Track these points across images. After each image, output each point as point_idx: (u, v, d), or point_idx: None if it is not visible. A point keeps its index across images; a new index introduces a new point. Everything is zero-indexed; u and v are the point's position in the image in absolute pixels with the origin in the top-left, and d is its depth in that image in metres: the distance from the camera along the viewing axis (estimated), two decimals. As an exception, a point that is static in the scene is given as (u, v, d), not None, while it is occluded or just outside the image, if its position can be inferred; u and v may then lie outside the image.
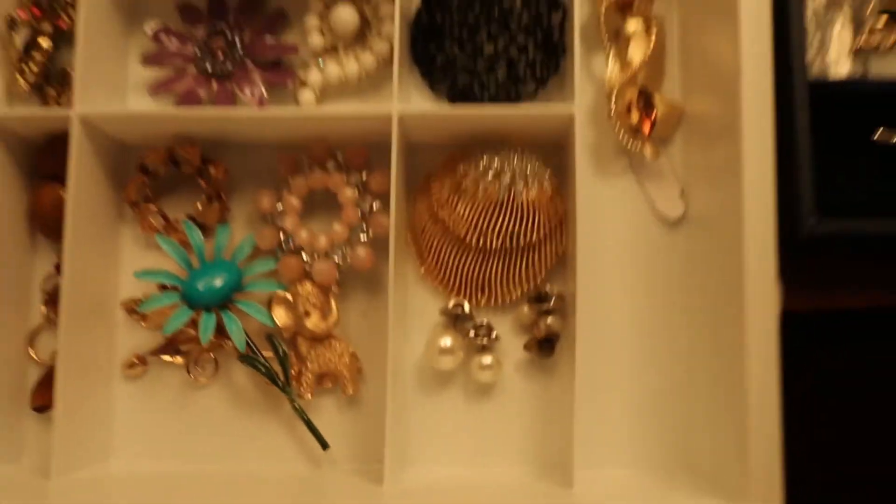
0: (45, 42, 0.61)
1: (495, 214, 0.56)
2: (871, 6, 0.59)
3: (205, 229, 0.59)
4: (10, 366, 0.58)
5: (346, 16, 0.60)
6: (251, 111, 0.57)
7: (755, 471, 0.47)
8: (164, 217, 0.60)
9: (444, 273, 0.58)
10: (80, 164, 0.55)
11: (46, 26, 0.61)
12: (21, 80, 0.60)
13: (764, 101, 0.50)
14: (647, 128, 0.58)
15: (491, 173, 0.56)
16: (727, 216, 0.51)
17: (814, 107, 0.54)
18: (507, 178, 0.56)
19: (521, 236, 0.56)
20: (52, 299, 0.60)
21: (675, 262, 0.58)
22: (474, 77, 0.59)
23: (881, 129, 0.58)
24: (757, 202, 0.49)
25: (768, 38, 0.50)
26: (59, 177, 0.58)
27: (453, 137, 0.58)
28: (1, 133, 0.58)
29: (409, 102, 0.59)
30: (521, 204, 0.56)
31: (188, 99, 0.60)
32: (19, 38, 0.61)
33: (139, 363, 0.60)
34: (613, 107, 0.58)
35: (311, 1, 0.61)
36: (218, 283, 0.57)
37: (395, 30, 0.56)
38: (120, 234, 0.61)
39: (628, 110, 0.58)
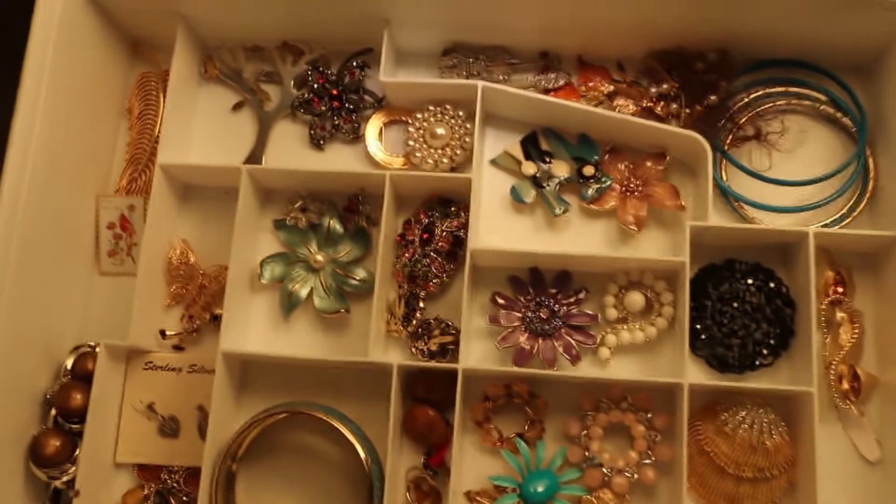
0: (420, 303, 1.10)
1: (748, 454, 1.01)
2: None
3: (530, 443, 1.06)
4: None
5: (636, 298, 1.08)
6: (564, 371, 1.02)
7: None
8: (499, 432, 1.07)
9: (706, 490, 1.03)
10: (460, 398, 1.00)
11: (420, 292, 1.10)
12: (402, 332, 1.09)
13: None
14: (853, 394, 1.04)
15: (745, 424, 1.02)
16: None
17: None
18: (756, 428, 1.02)
19: (766, 471, 1.01)
20: (413, 485, 1.06)
21: (874, 492, 1.02)
22: (728, 350, 1.06)
23: None
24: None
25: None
26: (428, 400, 1.05)
27: (714, 392, 1.05)
28: (393, 370, 1.02)
29: (682, 363, 1.05)
30: (767, 447, 1.02)
31: (521, 356, 1.06)
32: (398, 298, 1.10)
33: (477, 539, 1.05)
34: (831, 377, 1.04)
35: (608, 285, 1.09)
36: (541, 487, 1.02)
37: (685, 316, 1.03)
38: (466, 442, 1.07)
39: (840, 380, 1.05)
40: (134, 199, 1.11)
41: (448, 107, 1.10)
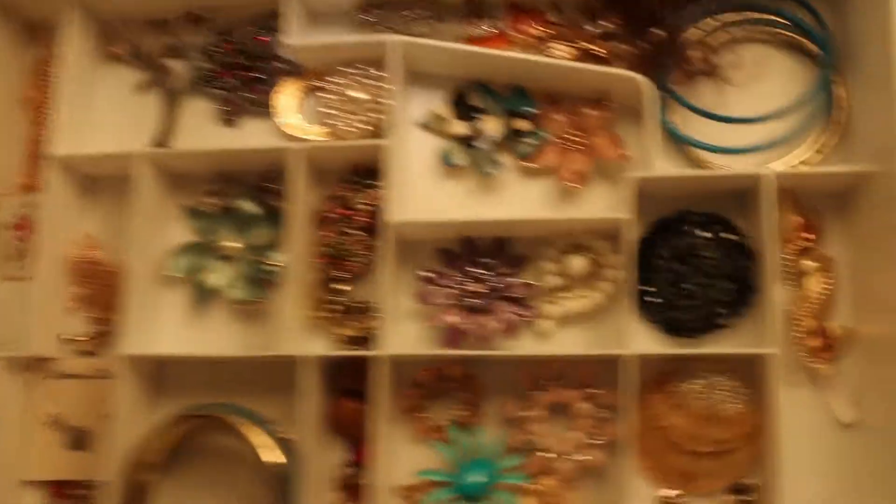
0: (344, 286, 1.05)
1: (706, 426, 0.95)
2: None
3: (465, 431, 1.00)
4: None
5: (577, 263, 1.02)
6: (501, 349, 0.98)
7: None
8: (432, 421, 1.01)
9: (662, 469, 0.97)
10: (379, 387, 0.95)
11: (343, 274, 1.05)
12: (323, 317, 1.04)
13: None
14: (824, 349, 0.97)
15: (701, 393, 0.96)
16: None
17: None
18: (713, 397, 0.95)
19: (727, 443, 0.95)
20: (343, 484, 1.00)
21: (849, 456, 0.95)
22: (682, 313, 0.99)
23: None
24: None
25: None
26: (353, 391, 1.01)
27: (669, 360, 0.98)
28: (308, 361, 0.98)
29: (629, 331, 0.98)
30: (725, 418, 0.95)
31: (452, 336, 1.00)
32: (319, 282, 1.05)
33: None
34: (797, 333, 0.97)
35: (547, 250, 1.03)
36: (480, 478, 0.97)
37: (630, 279, 0.97)
38: (398, 434, 1.01)
39: (809, 335, 0.98)
40: (36, 196, 1.06)
41: (364, 67, 1.04)
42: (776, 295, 0.93)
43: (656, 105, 0.99)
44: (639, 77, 0.98)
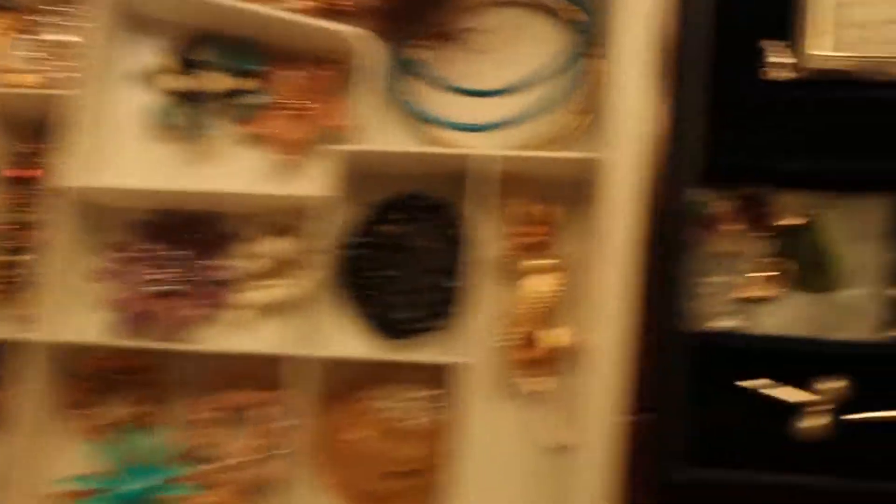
0: (15, 258, 0.94)
1: (390, 440, 0.86)
2: (753, 262, 0.88)
3: (135, 433, 0.90)
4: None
5: (279, 247, 0.91)
6: (183, 344, 0.89)
7: None
8: (99, 420, 0.90)
9: (349, 488, 0.87)
10: (34, 376, 0.86)
11: (15, 243, 0.94)
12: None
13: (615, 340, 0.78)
14: (539, 361, 0.87)
15: (386, 404, 0.86)
16: (590, 447, 0.78)
17: (689, 352, 0.82)
18: (399, 408, 0.86)
19: (419, 463, 0.85)
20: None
21: (558, 483, 0.85)
22: (388, 310, 0.89)
23: (760, 380, 0.85)
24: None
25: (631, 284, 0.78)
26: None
27: (362, 364, 0.88)
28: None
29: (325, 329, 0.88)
30: (418, 435, 0.85)
31: (133, 323, 0.91)
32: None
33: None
34: (508, 341, 0.87)
35: (250, 230, 0.93)
36: (142, 485, 0.87)
37: (335, 269, 0.88)
38: (61, 430, 0.91)
39: (523, 343, 0.88)
40: None
41: (75, 8, 0.94)
42: (484, 296, 0.84)
43: (378, 67, 0.91)
44: (357, 35, 0.90)
